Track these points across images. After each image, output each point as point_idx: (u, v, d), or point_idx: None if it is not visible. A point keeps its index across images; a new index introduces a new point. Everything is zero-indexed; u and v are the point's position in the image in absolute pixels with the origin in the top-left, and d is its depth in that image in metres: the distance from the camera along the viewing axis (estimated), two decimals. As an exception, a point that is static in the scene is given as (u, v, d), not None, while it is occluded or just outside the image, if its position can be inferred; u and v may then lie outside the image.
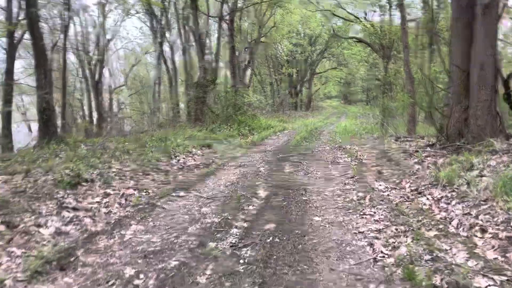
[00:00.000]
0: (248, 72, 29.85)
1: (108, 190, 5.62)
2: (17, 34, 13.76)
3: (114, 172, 6.60)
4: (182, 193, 5.77)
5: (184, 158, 9.27)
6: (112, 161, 7.35)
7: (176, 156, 9.24)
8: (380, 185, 6.53)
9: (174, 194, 5.68)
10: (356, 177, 7.06)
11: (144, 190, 5.95)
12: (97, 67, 27.34)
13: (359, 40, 26.13)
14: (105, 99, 27.92)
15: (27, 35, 13.32)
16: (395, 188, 6.33)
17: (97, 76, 27.51)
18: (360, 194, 5.86)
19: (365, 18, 25.18)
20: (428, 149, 8.90)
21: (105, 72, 39.01)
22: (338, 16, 27.01)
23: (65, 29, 17.96)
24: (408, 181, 6.65)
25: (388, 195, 5.86)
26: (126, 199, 5.31)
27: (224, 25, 21.69)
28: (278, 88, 39.86)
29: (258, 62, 38.19)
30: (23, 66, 27.81)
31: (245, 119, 18.14)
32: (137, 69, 40.05)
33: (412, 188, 6.19)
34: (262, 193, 5.72)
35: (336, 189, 6.25)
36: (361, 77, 42.13)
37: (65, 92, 18.45)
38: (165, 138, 12.38)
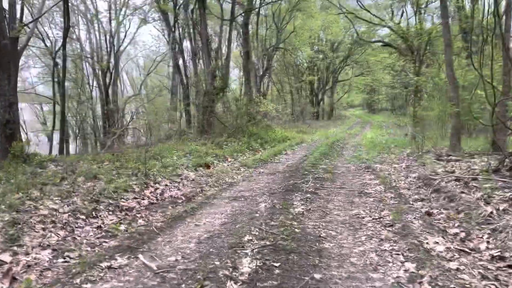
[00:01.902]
0: (266, 79, 27.70)
1: (3, 256, 3.46)
2: None
3: (41, 215, 4.46)
4: (119, 261, 3.54)
5: (166, 185, 7.09)
6: (53, 195, 5.22)
7: (157, 183, 7.07)
8: (438, 243, 4.13)
9: (104, 264, 3.46)
10: (396, 225, 4.68)
11: (68, 251, 3.77)
12: (107, 75, 25.81)
13: (385, 44, 23.53)
14: (117, 109, 26.32)
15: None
16: (464, 251, 3.92)
17: (108, 85, 26.02)
18: (410, 265, 3.49)
19: (391, 19, 22.58)
20: (494, 176, 6.39)
21: (118, 81, 37.81)
22: (362, 19, 24.52)
23: (64, 33, 16.26)
24: (481, 237, 4.23)
25: (457, 269, 3.45)
26: (14, 279, 3.12)
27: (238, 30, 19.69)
28: (299, 96, 37.49)
29: (277, 69, 36.00)
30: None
31: (258, 130, 15.90)
32: (154, 77, 38.60)
33: (494, 254, 3.77)
34: (246, 266, 3.42)
35: (369, 251, 3.89)
36: (386, 85, 39.19)
37: (64, 103, 16.71)
38: (159, 155, 10.31)
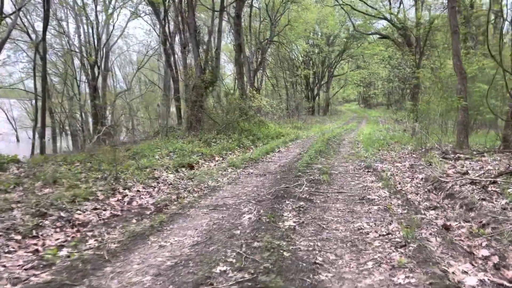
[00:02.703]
0: (260, 74, 26.64)
1: None
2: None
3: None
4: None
5: (138, 191, 6.09)
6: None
7: (127, 188, 6.07)
8: (467, 272, 3.17)
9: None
10: (410, 245, 3.71)
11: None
12: (95, 70, 24.62)
13: (383, 37, 22.53)
14: (106, 105, 25.16)
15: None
16: (504, 287, 2.97)
17: (96, 80, 24.84)
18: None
19: (389, 9, 21.55)
20: (516, 180, 5.45)
21: (110, 76, 36.57)
22: (358, 11, 23.51)
23: (44, 24, 15.13)
24: (522, 263, 3.28)
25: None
26: None
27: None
28: (294, 91, 36.43)
29: (272, 63, 34.94)
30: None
31: (250, 126, 14.89)
32: (149, 73, 37.36)
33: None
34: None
35: (380, 283, 2.93)
36: (382, 79, 38.24)
37: (45, 98, 15.60)
38: (139, 154, 9.33)
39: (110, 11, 25.41)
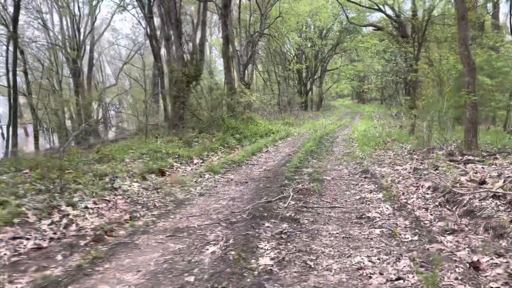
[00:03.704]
0: (250, 67, 25.35)
1: None
2: None
3: None
4: None
5: (86, 208, 4.89)
6: None
7: (70, 205, 4.86)
8: None
9: None
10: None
11: None
12: (78, 64, 23.20)
13: (378, 28, 21.36)
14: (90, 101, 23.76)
15: None
16: None
17: (78, 75, 23.44)
18: None
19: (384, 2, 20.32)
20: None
21: (98, 71, 35.09)
22: (353, 2, 22.26)
23: (15, 14, 13.81)
24: None
25: None
26: None
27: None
28: (286, 86, 35.17)
29: (264, 57, 33.67)
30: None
31: (237, 124, 13.69)
32: (137, 68, 35.89)
33: None
34: None
35: None
36: (376, 73, 37.06)
37: (17, 94, 14.33)
38: (107, 157, 8.15)
39: (94, 2, 24.01)
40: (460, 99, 8.10)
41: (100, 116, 22.32)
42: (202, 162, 8.87)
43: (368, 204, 5.16)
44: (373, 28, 22.76)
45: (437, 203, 5.10)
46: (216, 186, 6.46)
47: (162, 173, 7.25)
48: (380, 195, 5.52)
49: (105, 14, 63.36)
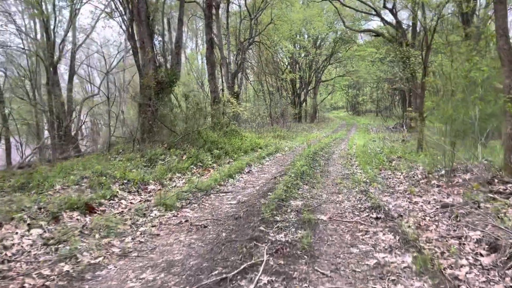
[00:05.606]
0: (240, 76, 23.31)
1: None
2: None
3: None
4: None
5: None
6: None
7: None
8: None
9: None
10: None
11: None
12: (52, 72, 21.00)
13: (376, 34, 19.46)
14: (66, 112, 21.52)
15: None
16: None
17: (52, 84, 21.24)
18: None
19: (384, 4, 18.45)
20: None
21: (79, 82, 32.88)
22: (349, 7, 20.41)
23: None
24: None
25: None
26: None
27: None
28: (280, 96, 33.14)
29: (255, 66, 31.69)
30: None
31: (218, 137, 11.52)
32: (125, 75, 33.74)
33: None
34: None
35: None
36: (372, 81, 35.01)
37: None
38: (37, 182, 5.97)
39: (77, 5, 21.95)
40: (486, 107, 6.06)
41: (73, 128, 20.06)
42: (160, 189, 6.67)
43: (392, 281, 2.99)
44: (372, 34, 20.87)
45: (502, 275, 2.94)
46: (158, 235, 4.26)
47: (90, 209, 5.05)
48: (408, 260, 3.35)
49: (89, 21, 61.19)
